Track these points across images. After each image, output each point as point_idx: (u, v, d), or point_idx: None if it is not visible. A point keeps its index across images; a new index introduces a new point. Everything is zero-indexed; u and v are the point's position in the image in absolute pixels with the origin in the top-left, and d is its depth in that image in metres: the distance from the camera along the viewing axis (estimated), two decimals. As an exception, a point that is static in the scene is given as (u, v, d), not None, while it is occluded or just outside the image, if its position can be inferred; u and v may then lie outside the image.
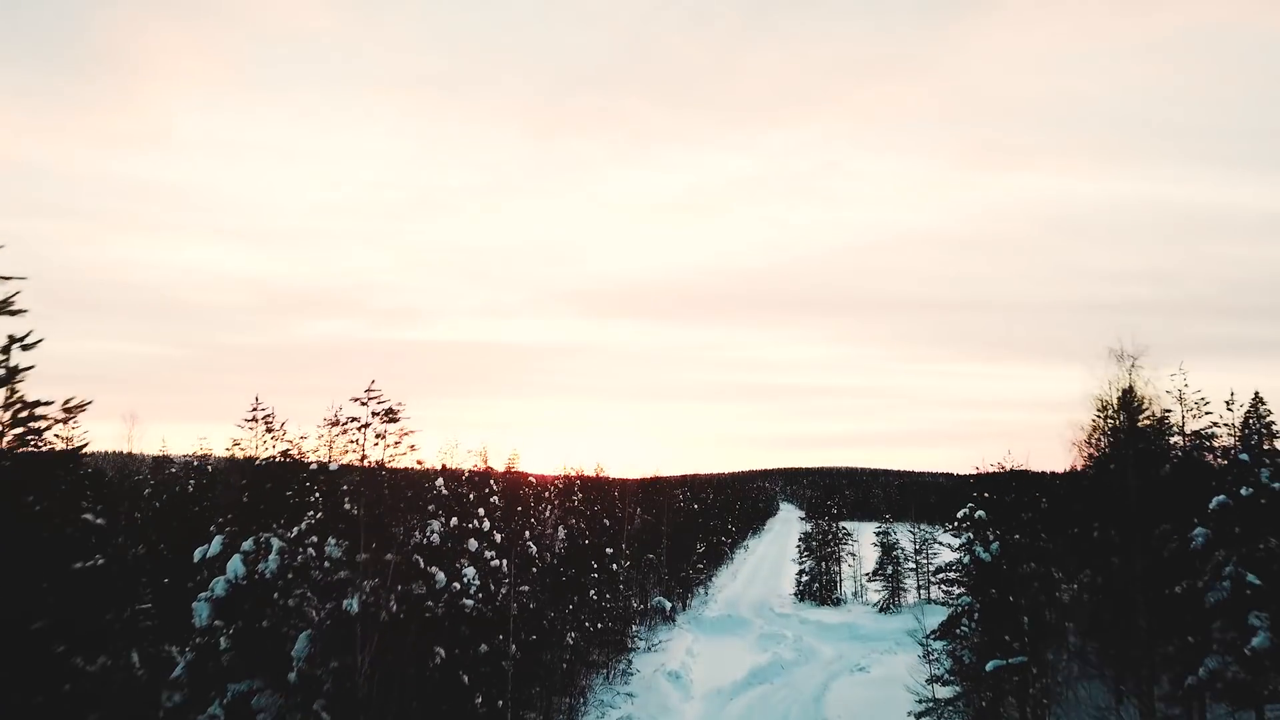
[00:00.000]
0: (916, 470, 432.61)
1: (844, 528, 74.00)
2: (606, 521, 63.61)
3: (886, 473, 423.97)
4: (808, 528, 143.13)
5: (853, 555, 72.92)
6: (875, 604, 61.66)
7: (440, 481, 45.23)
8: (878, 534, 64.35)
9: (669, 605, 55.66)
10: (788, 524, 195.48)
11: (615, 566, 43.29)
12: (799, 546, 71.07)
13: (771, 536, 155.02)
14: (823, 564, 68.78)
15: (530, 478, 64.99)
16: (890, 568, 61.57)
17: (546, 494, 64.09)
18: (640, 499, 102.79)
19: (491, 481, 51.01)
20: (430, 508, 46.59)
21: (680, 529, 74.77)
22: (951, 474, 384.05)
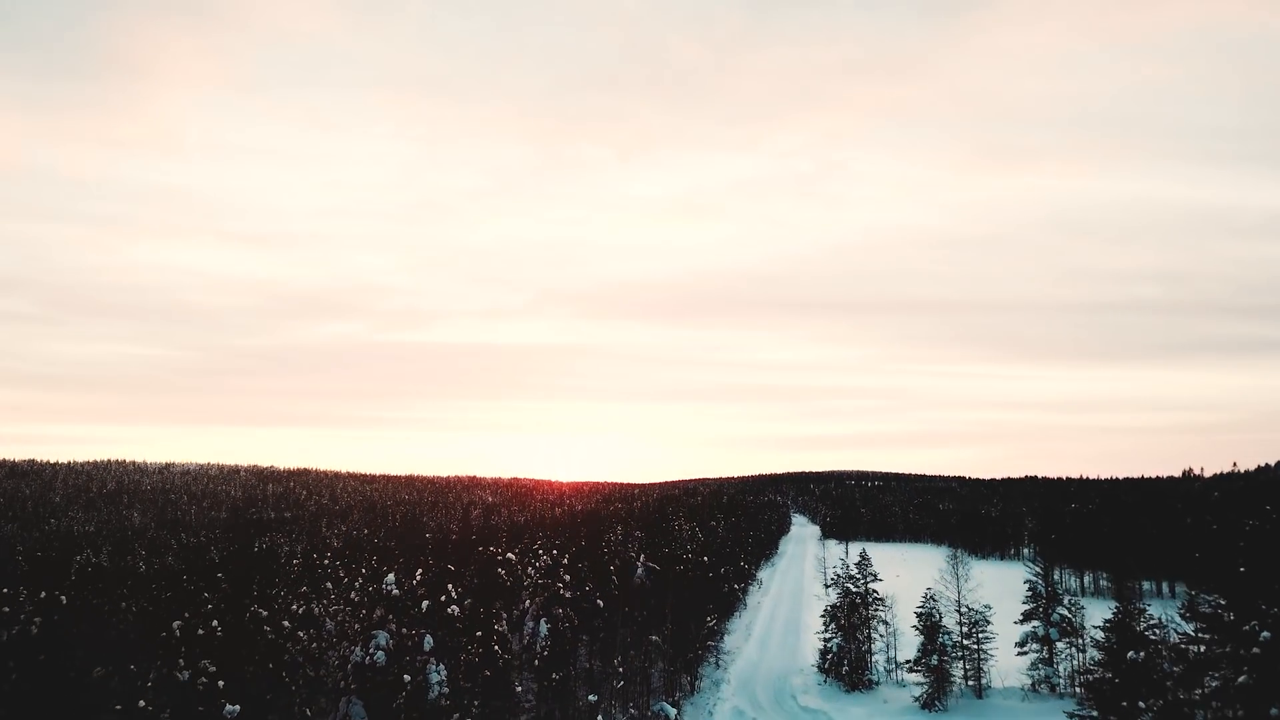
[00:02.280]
0: (927, 474, 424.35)
1: (875, 591, 64.56)
2: (600, 602, 54.23)
3: (897, 477, 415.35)
4: (823, 552, 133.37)
5: (885, 624, 63.53)
6: (917, 698, 52.29)
7: (391, 578, 35.68)
8: (919, 615, 54.86)
9: (673, 713, 46.42)
10: (801, 543, 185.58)
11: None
12: (824, 619, 61.66)
13: (786, 562, 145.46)
14: (851, 639, 59.41)
15: (509, 555, 55.76)
16: (935, 657, 52.11)
17: (530, 572, 54.83)
18: (645, 541, 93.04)
19: (451, 586, 41.58)
20: (377, 613, 36.83)
21: (686, 588, 65.46)
22: (962, 477, 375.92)
